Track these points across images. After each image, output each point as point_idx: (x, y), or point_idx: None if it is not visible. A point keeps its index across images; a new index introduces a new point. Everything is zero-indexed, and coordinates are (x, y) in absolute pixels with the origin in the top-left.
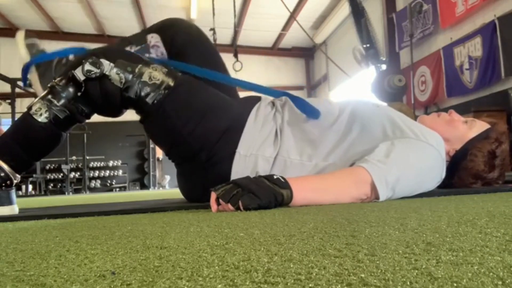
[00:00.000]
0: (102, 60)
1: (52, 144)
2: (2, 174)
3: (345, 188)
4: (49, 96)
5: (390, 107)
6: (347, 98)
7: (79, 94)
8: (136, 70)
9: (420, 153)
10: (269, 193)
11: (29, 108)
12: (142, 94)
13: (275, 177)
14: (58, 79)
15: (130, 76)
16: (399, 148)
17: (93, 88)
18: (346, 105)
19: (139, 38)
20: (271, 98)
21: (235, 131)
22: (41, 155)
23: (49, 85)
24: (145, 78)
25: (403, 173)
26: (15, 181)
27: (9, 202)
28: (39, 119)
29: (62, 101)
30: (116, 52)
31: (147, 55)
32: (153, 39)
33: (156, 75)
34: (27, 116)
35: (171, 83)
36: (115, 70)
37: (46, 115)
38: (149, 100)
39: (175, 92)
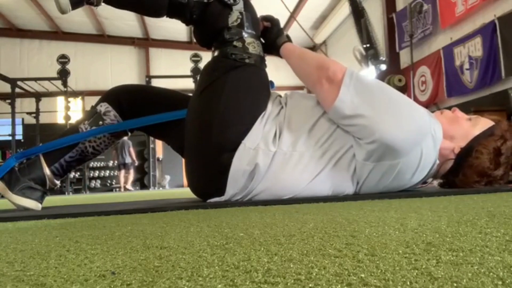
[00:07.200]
0: None
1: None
2: None
3: (310, 67)
4: None
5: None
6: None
7: (205, 0)
8: (250, 30)
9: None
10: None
11: None
12: (232, 45)
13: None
14: None
15: (244, 27)
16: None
17: (214, 7)
18: None
19: (90, 112)
20: (277, 93)
21: (250, 122)
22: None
23: None
24: (248, 39)
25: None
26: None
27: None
28: None
29: None
30: (250, 4)
31: (100, 123)
32: (102, 107)
33: (253, 49)
34: None
35: (251, 62)
36: (239, 14)
37: None
38: (229, 50)
39: (244, 68)
